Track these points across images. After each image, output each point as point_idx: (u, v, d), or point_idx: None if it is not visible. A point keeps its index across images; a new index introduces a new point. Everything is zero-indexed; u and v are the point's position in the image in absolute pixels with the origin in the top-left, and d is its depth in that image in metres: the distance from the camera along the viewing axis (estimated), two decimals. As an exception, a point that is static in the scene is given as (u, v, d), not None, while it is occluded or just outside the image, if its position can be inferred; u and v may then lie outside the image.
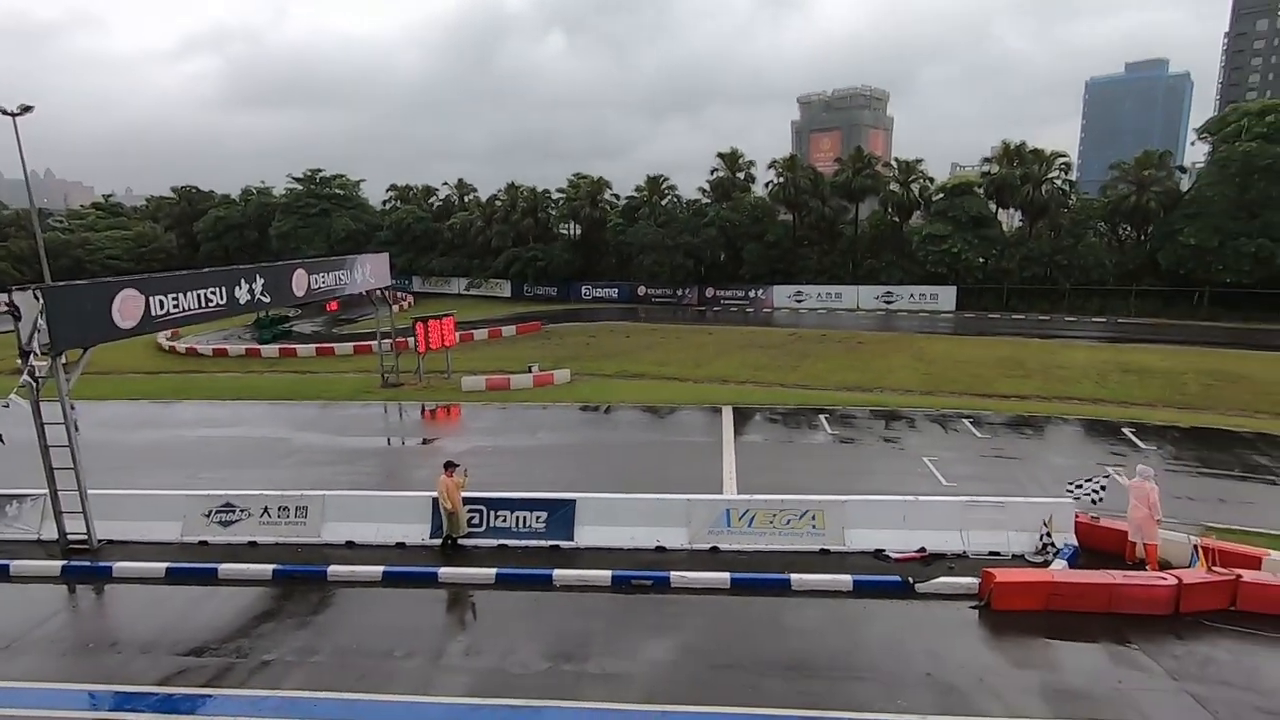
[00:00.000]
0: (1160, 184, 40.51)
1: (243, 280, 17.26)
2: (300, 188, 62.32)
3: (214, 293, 16.04)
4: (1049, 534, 11.96)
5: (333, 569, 11.74)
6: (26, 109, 31.12)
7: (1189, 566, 10.96)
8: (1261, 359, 27.73)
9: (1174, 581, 10.24)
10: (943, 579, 11.03)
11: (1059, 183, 43.68)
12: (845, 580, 11.02)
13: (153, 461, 18.05)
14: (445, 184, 64.61)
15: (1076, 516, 12.34)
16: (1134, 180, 41.00)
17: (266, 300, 18.39)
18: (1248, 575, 10.37)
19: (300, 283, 20.16)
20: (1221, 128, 38.55)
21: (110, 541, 13.01)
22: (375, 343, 28.59)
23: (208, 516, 13.35)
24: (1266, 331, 33.61)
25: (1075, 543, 12.04)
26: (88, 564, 12.29)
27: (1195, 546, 11.22)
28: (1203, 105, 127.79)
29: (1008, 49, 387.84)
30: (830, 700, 8.32)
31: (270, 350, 34.76)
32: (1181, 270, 37.91)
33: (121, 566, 12.07)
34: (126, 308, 13.41)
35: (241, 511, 13.32)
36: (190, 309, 15.30)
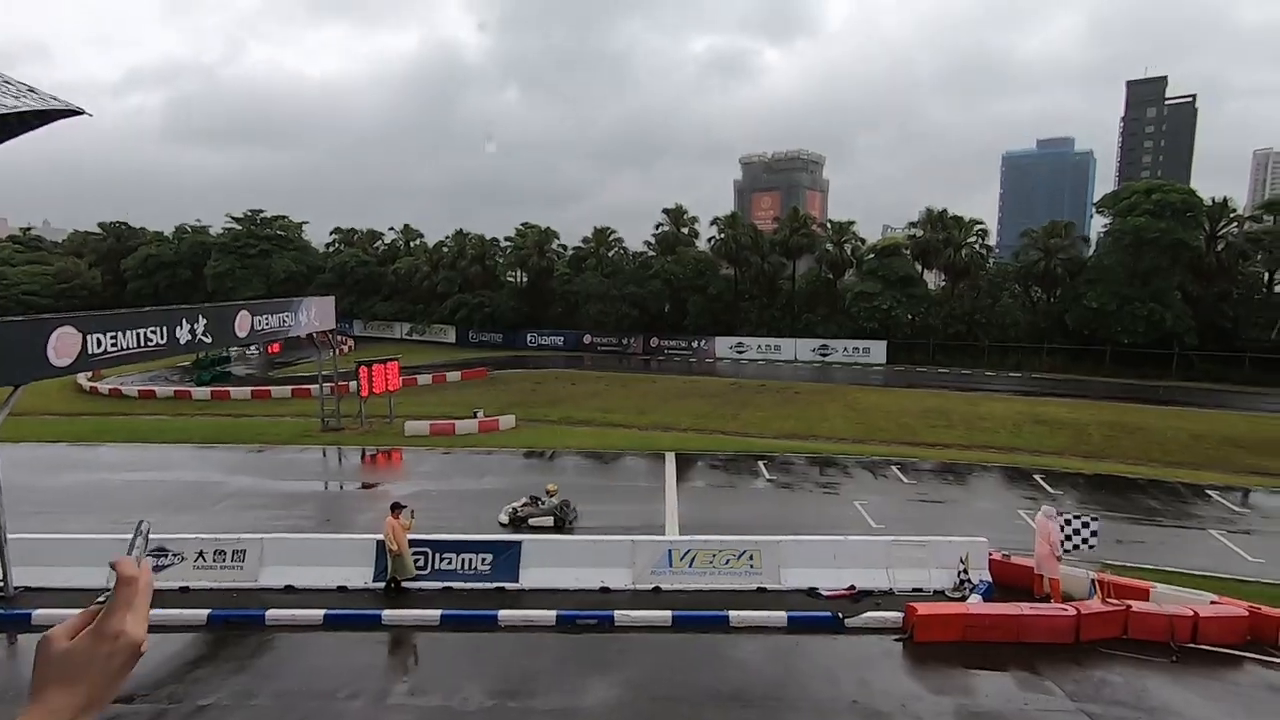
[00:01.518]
0: (1065, 251, 44.33)
1: (184, 320, 17.10)
2: (239, 228, 61.14)
3: (154, 332, 15.87)
4: (966, 570, 12.88)
5: (271, 613, 11.56)
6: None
7: (1088, 599, 12.02)
8: (1155, 412, 30.31)
9: (1074, 612, 11.22)
10: (870, 614, 11.74)
11: (977, 247, 47.28)
12: (780, 616, 11.58)
13: (76, 505, 17.23)
14: (391, 229, 64.59)
15: (990, 554, 13.34)
16: (1042, 247, 44.71)
17: (208, 341, 18.21)
18: (1137, 606, 11.46)
19: (243, 324, 19.99)
20: (1116, 203, 42.64)
21: (29, 589, 12.43)
22: (316, 386, 28.15)
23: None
24: (1158, 386, 36.79)
25: (989, 578, 12.99)
26: (2, 612, 11.71)
27: (1093, 580, 12.31)
28: (1105, 180, 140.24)
29: (933, 121, 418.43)
30: (765, 728, 8.78)
31: (202, 392, 33.58)
32: (1086, 330, 41.22)
33: (41, 614, 11.53)
34: (63, 345, 13.17)
35: (174, 556, 12.97)
36: (129, 348, 15.08)
